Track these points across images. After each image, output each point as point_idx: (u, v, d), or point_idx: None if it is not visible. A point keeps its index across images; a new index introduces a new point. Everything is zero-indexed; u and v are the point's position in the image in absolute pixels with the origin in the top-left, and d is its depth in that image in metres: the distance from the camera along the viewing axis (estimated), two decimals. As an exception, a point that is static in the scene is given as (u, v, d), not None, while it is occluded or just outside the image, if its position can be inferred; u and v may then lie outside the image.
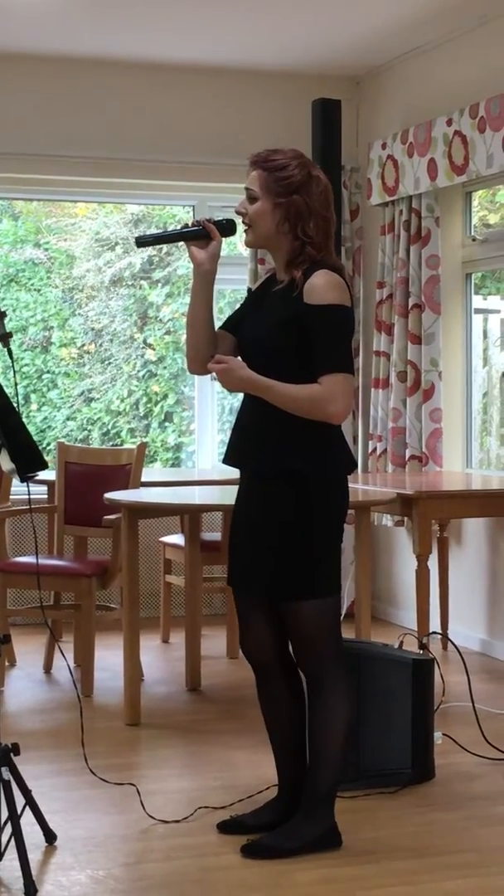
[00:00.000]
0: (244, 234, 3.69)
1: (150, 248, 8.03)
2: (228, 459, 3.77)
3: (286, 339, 3.57)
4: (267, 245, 3.69)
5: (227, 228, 3.73)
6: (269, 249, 3.71)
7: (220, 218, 3.79)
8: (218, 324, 3.78)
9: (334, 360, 3.53)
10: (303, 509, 3.59)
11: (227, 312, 7.65)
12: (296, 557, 3.60)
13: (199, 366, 3.76)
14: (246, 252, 7.34)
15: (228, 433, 3.80)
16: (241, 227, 3.71)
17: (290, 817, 3.74)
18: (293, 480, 3.59)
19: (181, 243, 3.80)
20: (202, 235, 3.70)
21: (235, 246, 7.54)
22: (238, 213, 3.68)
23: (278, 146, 3.70)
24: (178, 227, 3.82)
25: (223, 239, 3.72)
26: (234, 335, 3.75)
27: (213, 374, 3.65)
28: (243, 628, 3.80)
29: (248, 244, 3.76)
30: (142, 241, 3.80)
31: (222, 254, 3.75)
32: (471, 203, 6.89)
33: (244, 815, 3.87)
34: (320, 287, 3.53)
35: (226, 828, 3.84)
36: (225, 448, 3.79)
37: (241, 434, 3.72)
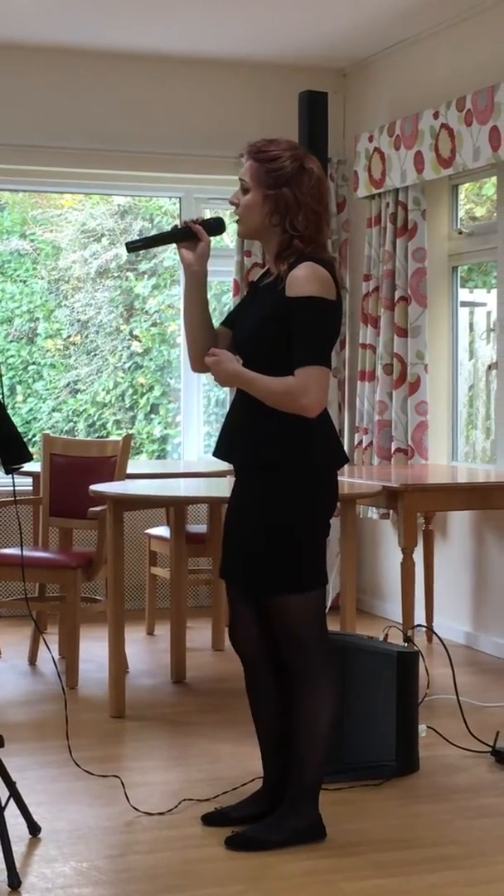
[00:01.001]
0: (237, 225, 3.68)
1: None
2: (218, 452, 3.77)
3: (271, 334, 3.56)
4: (258, 237, 3.68)
5: (215, 227, 3.73)
6: (261, 241, 3.71)
7: (207, 217, 3.78)
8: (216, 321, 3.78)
9: (309, 353, 3.50)
10: (287, 503, 3.58)
11: (214, 304, 7.67)
12: (281, 552, 3.59)
13: (200, 364, 3.74)
14: (232, 244, 7.33)
15: (214, 425, 3.81)
16: (234, 219, 3.69)
17: (274, 809, 3.74)
18: (277, 474, 3.59)
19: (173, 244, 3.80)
20: (190, 237, 3.70)
21: (222, 238, 7.52)
22: (231, 203, 3.67)
23: (271, 137, 3.67)
24: (168, 228, 3.81)
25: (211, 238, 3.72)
26: (232, 331, 3.75)
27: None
28: (233, 620, 3.80)
29: (240, 235, 3.76)
30: (132, 247, 3.80)
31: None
32: (457, 196, 6.89)
33: (228, 807, 3.88)
34: (299, 279, 3.51)
35: (210, 820, 3.84)
36: (212, 440, 3.79)
37: (229, 427, 3.72)
